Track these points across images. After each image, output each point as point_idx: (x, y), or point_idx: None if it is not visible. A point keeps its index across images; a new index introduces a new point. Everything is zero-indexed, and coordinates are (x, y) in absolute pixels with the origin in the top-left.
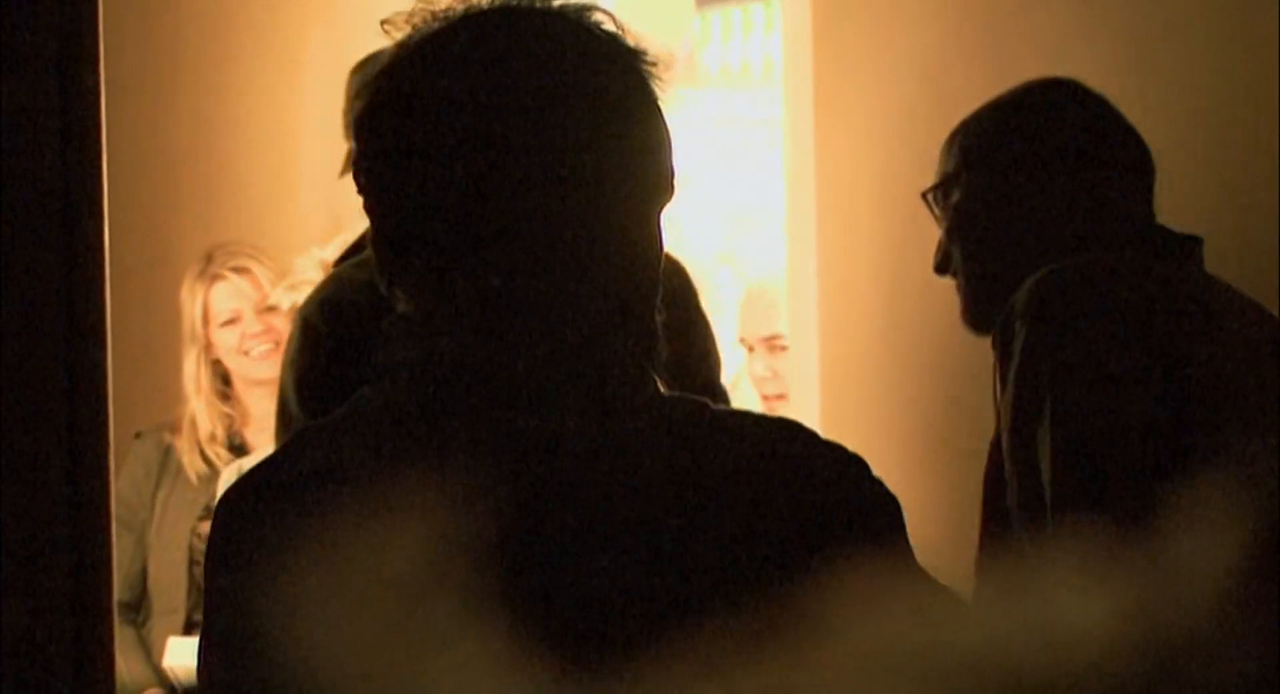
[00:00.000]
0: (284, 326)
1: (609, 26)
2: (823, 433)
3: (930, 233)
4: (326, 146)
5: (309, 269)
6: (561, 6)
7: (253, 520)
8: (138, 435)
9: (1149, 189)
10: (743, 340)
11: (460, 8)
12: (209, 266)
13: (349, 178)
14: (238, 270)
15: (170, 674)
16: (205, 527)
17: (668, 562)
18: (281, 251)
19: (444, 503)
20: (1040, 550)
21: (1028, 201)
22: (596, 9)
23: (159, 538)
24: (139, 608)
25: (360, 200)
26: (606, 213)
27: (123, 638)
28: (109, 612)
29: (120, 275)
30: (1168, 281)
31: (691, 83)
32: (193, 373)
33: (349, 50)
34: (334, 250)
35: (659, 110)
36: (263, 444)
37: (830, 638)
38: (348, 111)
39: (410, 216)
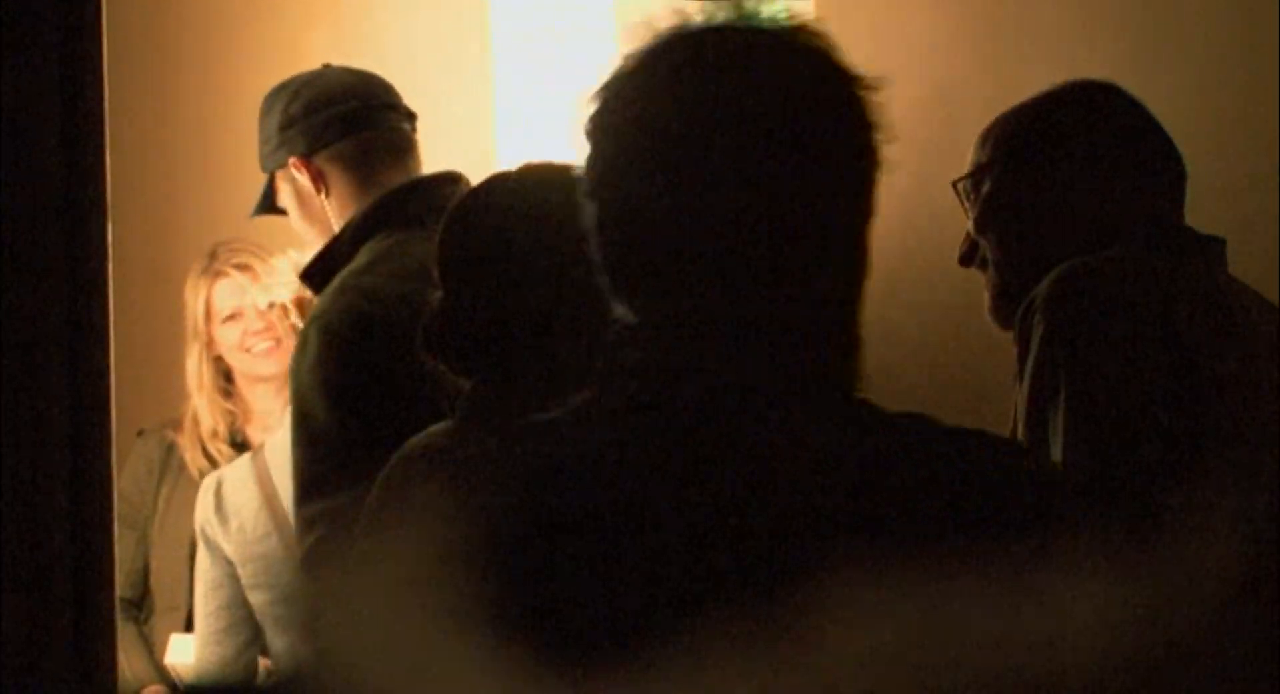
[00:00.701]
0: (285, 325)
1: (822, 46)
2: None
3: (935, 228)
4: None
5: (287, 270)
6: (778, 27)
7: (504, 511)
8: (140, 433)
9: (1179, 192)
10: None
11: (680, 25)
12: (212, 263)
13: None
14: (240, 267)
15: (172, 671)
16: None
17: (861, 566)
18: (284, 249)
19: (689, 496)
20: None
21: (1060, 198)
22: (811, 30)
23: (161, 535)
24: (141, 605)
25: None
26: (823, 230)
27: (124, 635)
28: (111, 609)
29: (123, 274)
30: (1188, 280)
31: None
32: (195, 369)
33: (352, 50)
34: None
35: (868, 126)
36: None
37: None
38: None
39: (643, 231)
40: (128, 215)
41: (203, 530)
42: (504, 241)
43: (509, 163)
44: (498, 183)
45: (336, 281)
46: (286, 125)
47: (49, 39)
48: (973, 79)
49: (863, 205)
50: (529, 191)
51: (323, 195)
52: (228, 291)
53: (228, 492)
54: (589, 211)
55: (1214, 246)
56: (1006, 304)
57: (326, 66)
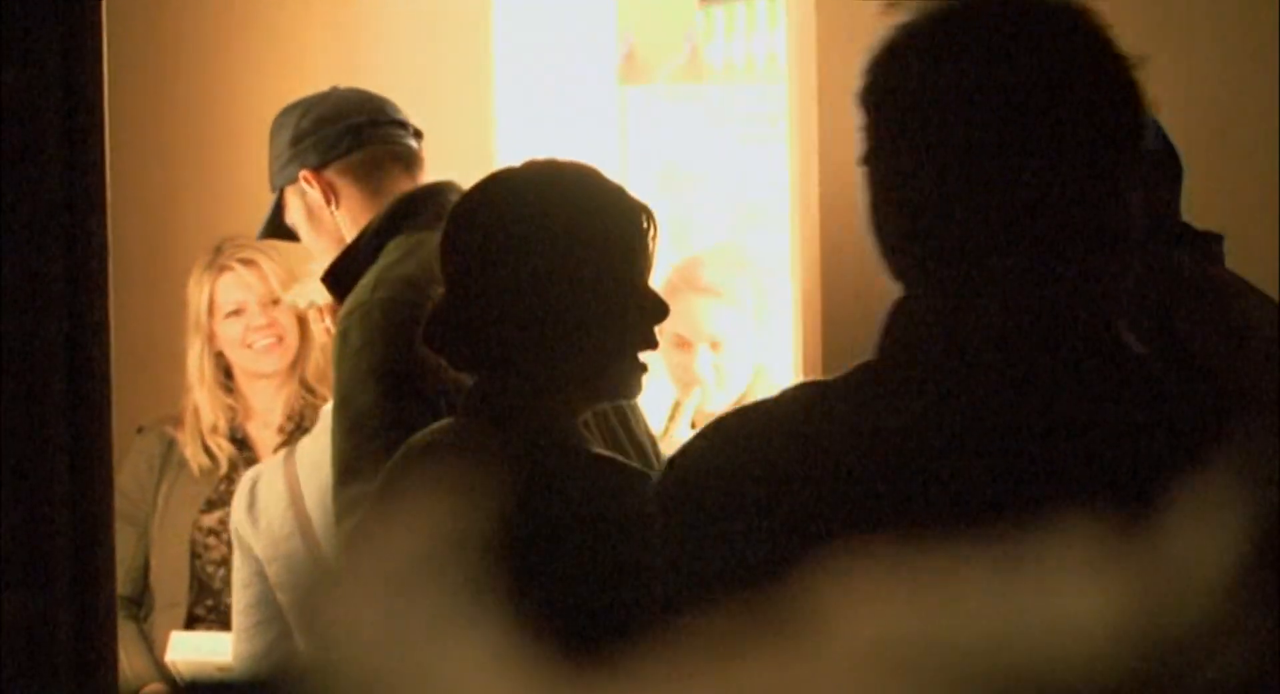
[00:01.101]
0: (287, 322)
1: (1096, 23)
2: None
3: None
4: None
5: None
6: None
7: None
8: (140, 430)
9: (1176, 188)
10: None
11: None
12: (217, 258)
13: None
14: (245, 263)
15: (172, 669)
16: (206, 520)
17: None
18: (286, 247)
19: (997, 459)
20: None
21: None
22: (1082, 6)
23: (161, 532)
24: (141, 602)
25: None
26: (1100, 200)
27: (124, 632)
28: (111, 606)
29: (122, 273)
30: (1185, 273)
31: (695, 78)
32: (196, 363)
33: (353, 48)
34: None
35: (1137, 101)
36: (265, 439)
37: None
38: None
39: (941, 202)
40: (127, 214)
41: (235, 528)
42: (506, 238)
43: (510, 161)
44: (501, 179)
45: (369, 278)
46: (298, 140)
47: (50, 38)
48: None
49: (1130, 174)
50: (532, 188)
51: (333, 207)
52: (232, 286)
53: (261, 489)
54: (862, 179)
55: (1211, 241)
56: None
57: (334, 88)
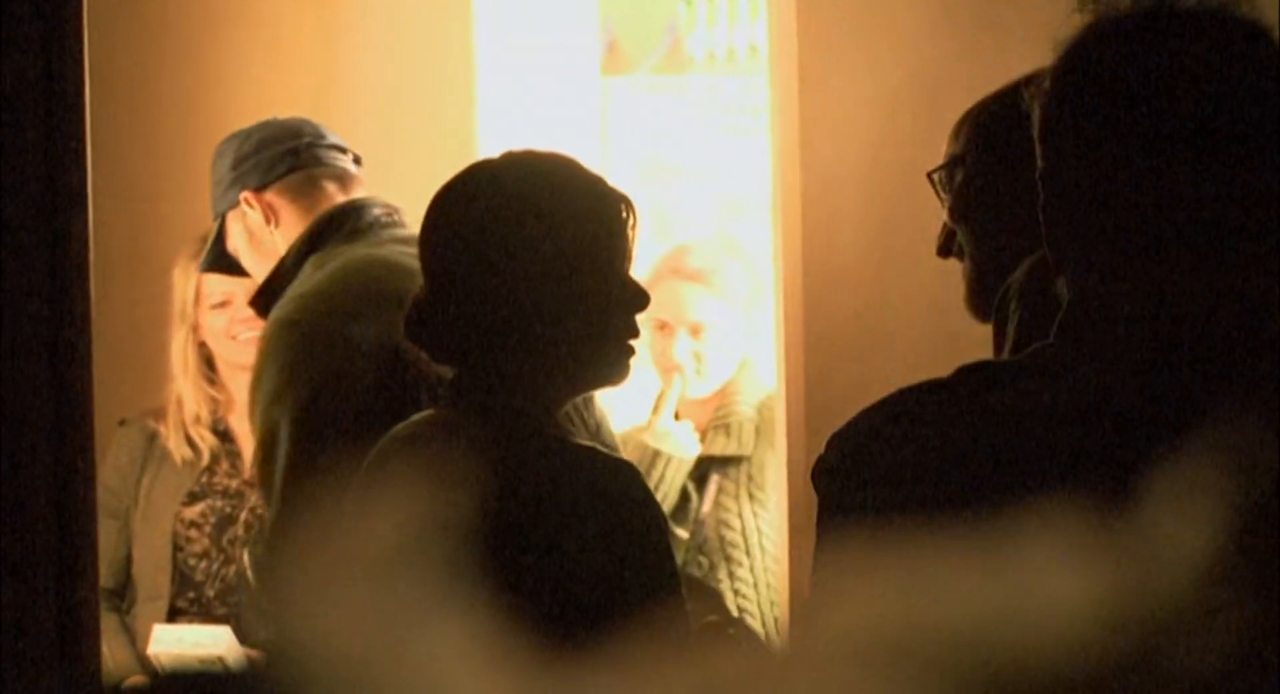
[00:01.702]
0: None
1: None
2: (809, 421)
3: (916, 218)
4: None
5: None
6: (1223, 10)
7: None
8: (122, 423)
9: None
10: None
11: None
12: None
13: None
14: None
15: (154, 661)
16: (188, 513)
17: None
18: None
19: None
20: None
21: (1031, 186)
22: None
23: (143, 525)
24: (123, 595)
25: None
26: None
27: (107, 625)
28: (94, 599)
29: (104, 266)
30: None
31: (677, 69)
32: (180, 353)
33: (336, 42)
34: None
35: None
36: (248, 431)
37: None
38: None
39: (1104, 200)
40: (110, 208)
41: None
42: (486, 229)
43: (492, 152)
44: (481, 170)
45: (283, 297)
46: (239, 163)
47: (30, 32)
48: (954, 65)
49: None
50: (512, 179)
51: (272, 227)
52: (220, 277)
53: None
54: (1040, 170)
55: None
56: (983, 295)
57: (274, 117)
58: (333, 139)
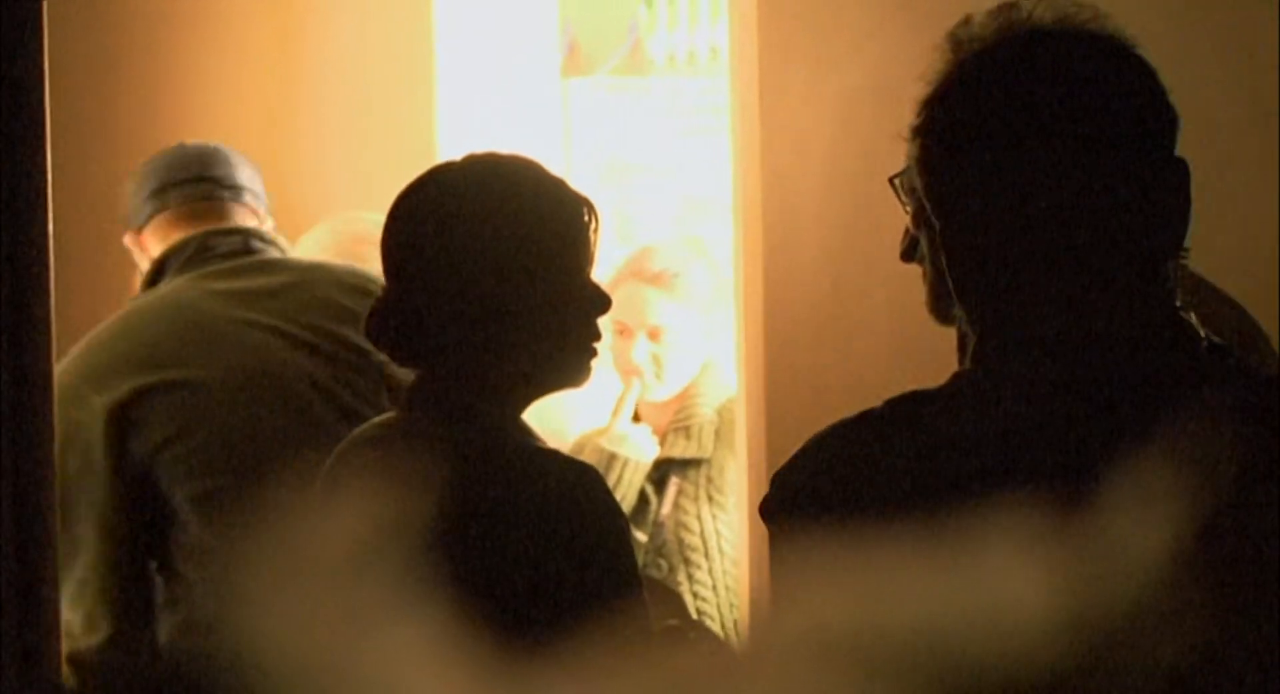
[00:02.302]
0: None
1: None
2: (770, 421)
3: (876, 218)
4: (270, 139)
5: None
6: (1096, 32)
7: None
8: None
9: None
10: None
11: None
12: None
13: None
14: None
15: None
16: None
17: None
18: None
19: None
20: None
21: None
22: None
23: None
24: None
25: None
26: (1158, 211)
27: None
28: (55, 599)
29: (65, 268)
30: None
31: (638, 70)
32: None
33: (295, 42)
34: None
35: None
36: None
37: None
38: (133, 196)
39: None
40: (71, 210)
41: None
42: (447, 232)
43: (452, 154)
44: (441, 173)
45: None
46: (127, 205)
47: None
48: (914, 67)
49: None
50: (472, 181)
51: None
52: None
53: None
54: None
55: None
56: (945, 299)
57: (180, 144)
58: (208, 171)
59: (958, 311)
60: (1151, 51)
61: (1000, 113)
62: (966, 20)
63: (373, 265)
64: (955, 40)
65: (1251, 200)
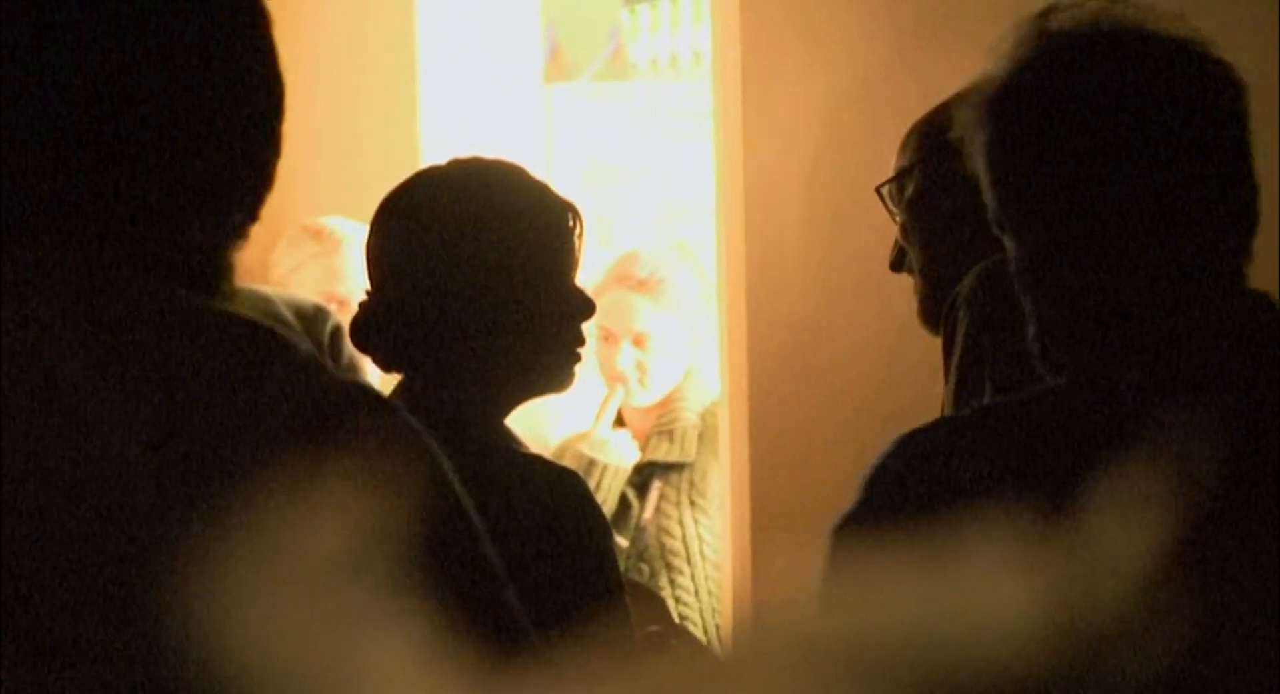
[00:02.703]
0: None
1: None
2: (755, 426)
3: (859, 223)
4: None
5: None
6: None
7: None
8: None
9: None
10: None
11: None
12: None
13: None
14: None
15: None
16: None
17: None
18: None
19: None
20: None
21: (980, 195)
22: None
23: None
24: None
25: None
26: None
27: None
28: None
29: None
30: None
31: (620, 75)
32: None
33: (279, 43)
34: None
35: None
36: None
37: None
38: None
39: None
40: None
41: None
42: (431, 237)
43: (435, 159)
44: (425, 178)
45: None
46: None
47: None
48: (897, 71)
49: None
50: (456, 186)
51: None
52: None
53: None
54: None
55: None
56: (935, 308)
57: None
58: None
59: (1028, 308)
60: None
61: (1095, 112)
62: (1051, 10)
63: (356, 271)
64: (1041, 30)
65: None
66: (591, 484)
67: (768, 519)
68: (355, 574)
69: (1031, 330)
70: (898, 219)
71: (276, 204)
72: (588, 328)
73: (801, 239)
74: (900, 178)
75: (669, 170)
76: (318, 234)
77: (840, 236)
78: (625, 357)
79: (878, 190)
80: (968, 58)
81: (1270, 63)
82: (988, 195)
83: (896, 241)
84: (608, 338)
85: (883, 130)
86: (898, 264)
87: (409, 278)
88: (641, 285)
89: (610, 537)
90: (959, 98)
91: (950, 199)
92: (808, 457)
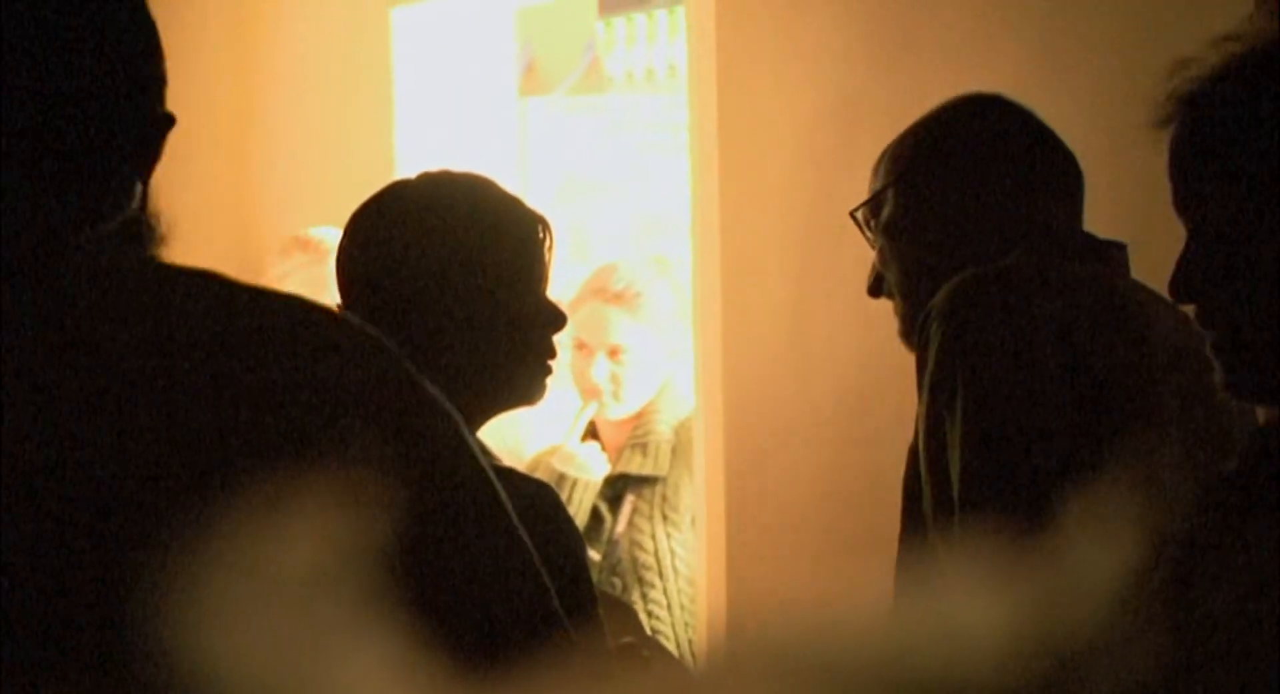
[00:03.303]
0: None
1: None
2: (729, 440)
3: (834, 236)
4: (230, 158)
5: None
6: None
7: None
8: None
9: (1075, 197)
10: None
11: None
12: None
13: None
14: None
15: None
16: None
17: None
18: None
19: None
20: (952, 554)
21: (955, 215)
22: None
23: None
24: None
25: None
26: None
27: None
28: None
29: None
30: (1082, 284)
31: (596, 88)
32: None
33: (253, 60)
34: None
35: None
36: None
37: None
38: None
39: None
40: None
41: None
42: (401, 250)
43: (411, 172)
44: (396, 191)
45: None
46: None
47: None
48: (873, 86)
49: None
50: (427, 200)
51: None
52: None
53: None
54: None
55: (1114, 251)
56: (915, 326)
57: None
58: None
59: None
60: (1149, 51)
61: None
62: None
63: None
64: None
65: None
66: (563, 497)
67: (741, 533)
68: (329, 590)
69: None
70: (875, 244)
71: (257, 217)
72: (559, 340)
73: (777, 252)
74: (873, 202)
75: (644, 183)
76: (305, 244)
77: (816, 250)
78: (600, 369)
79: (852, 215)
80: (941, 70)
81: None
82: (1177, 194)
83: (874, 267)
84: (582, 349)
85: (859, 144)
86: (875, 290)
87: (377, 291)
88: (618, 298)
89: (583, 550)
90: (933, 117)
91: (921, 219)
92: (782, 470)
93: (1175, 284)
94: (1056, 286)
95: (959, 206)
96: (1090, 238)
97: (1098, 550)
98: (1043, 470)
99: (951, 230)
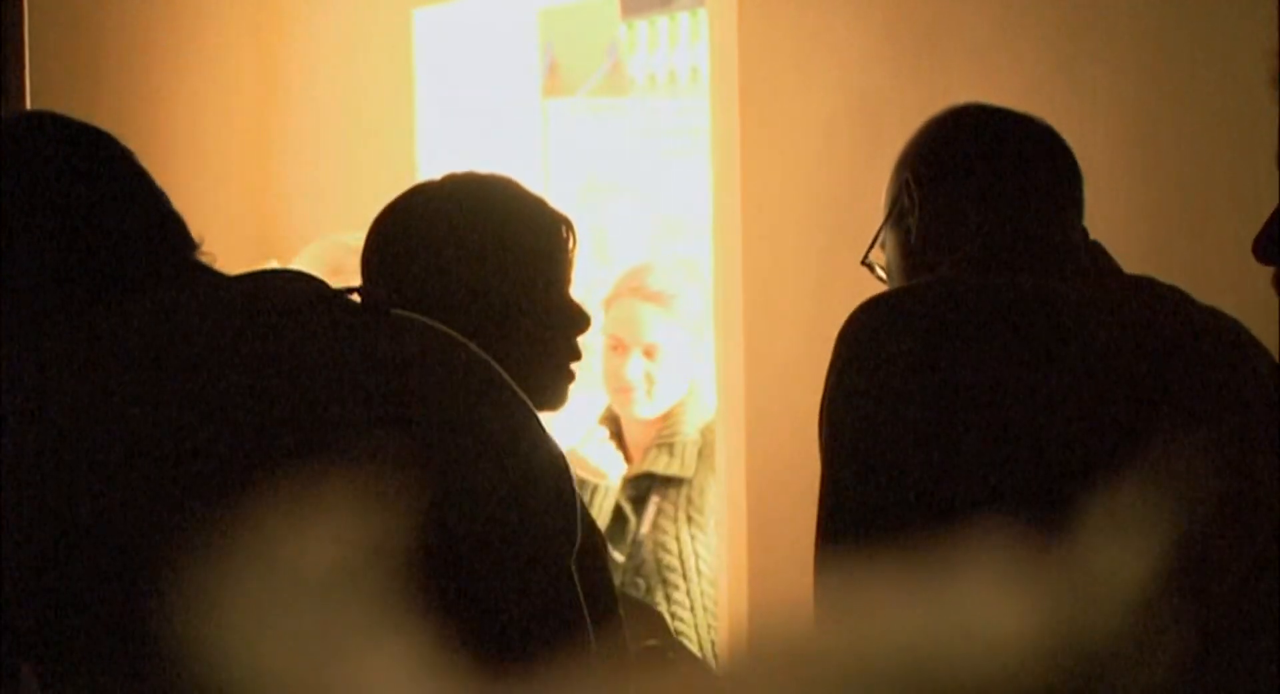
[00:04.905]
0: None
1: None
2: (749, 441)
3: (855, 239)
4: (253, 163)
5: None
6: None
7: None
8: None
9: (1073, 200)
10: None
11: None
12: None
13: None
14: None
15: None
16: None
17: None
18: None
19: None
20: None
21: (929, 223)
22: None
23: None
24: None
25: None
26: None
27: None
28: None
29: None
30: (1007, 300)
31: (618, 91)
32: None
33: (275, 62)
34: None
35: None
36: None
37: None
38: None
39: None
40: None
41: None
42: (426, 251)
43: (432, 174)
44: (420, 192)
45: None
46: None
47: None
48: (895, 89)
49: None
50: (451, 200)
51: None
52: None
53: None
54: None
55: (1099, 258)
56: None
57: None
58: None
59: None
60: (1149, 51)
61: None
62: None
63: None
64: None
65: (1252, 200)
66: (585, 499)
67: (763, 535)
68: (351, 590)
69: None
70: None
71: (280, 220)
72: (584, 342)
73: (798, 255)
74: (878, 240)
75: (666, 186)
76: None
77: (838, 253)
78: (634, 367)
79: (864, 263)
80: (965, 74)
81: (1193, 68)
82: None
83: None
84: (617, 347)
85: (881, 146)
86: None
87: (401, 292)
88: (655, 297)
89: (605, 551)
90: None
91: (905, 227)
92: (804, 473)
93: (1259, 245)
94: (965, 306)
95: (932, 214)
96: (1066, 245)
97: (1121, 550)
98: (892, 507)
99: (922, 240)
